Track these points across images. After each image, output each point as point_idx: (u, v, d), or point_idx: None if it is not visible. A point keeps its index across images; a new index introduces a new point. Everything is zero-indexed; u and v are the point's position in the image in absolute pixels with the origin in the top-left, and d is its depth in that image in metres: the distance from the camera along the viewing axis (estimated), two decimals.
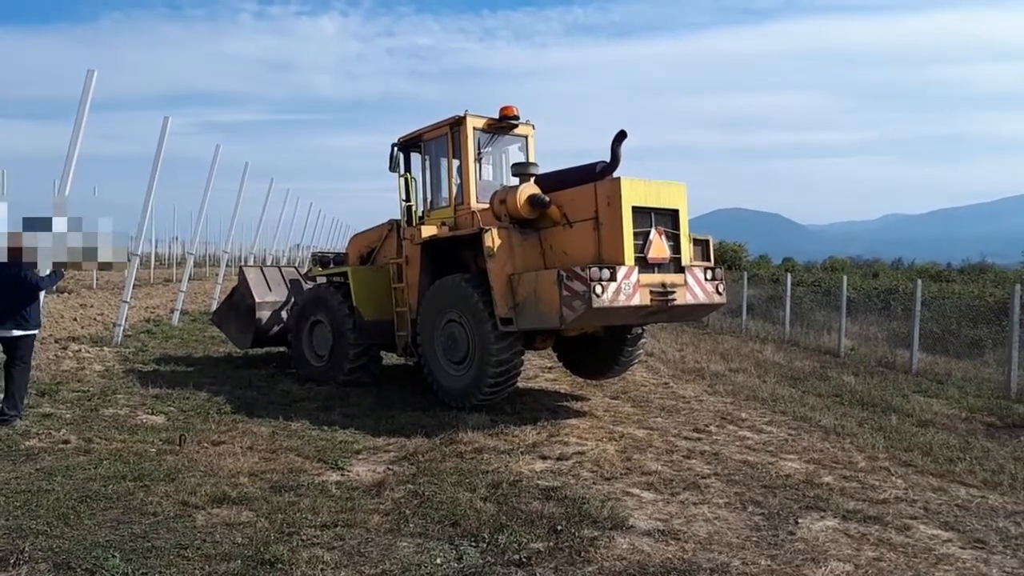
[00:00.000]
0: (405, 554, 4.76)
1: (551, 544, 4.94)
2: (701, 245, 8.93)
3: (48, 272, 7.95)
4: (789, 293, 19.46)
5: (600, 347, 9.90)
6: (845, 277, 18.16)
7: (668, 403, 10.10)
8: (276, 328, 12.03)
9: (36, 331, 7.93)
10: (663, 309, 8.23)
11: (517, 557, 4.71)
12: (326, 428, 8.06)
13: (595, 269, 7.63)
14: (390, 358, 11.44)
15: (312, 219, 35.55)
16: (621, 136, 8.39)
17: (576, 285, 7.68)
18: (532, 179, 8.88)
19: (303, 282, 12.53)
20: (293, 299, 12.11)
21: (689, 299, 8.40)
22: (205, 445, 7.11)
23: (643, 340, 10.06)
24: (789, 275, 20.99)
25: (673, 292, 8.22)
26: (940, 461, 7.52)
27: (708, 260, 8.95)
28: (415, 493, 5.93)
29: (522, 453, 7.23)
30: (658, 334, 18.07)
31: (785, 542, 5.17)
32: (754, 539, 5.23)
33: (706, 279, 8.59)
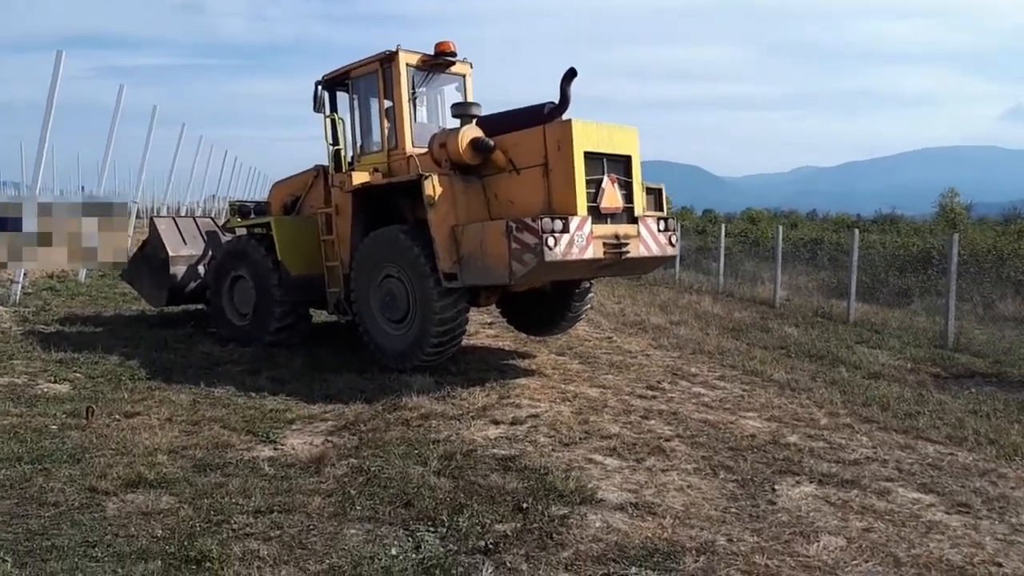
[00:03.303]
0: (354, 544, 4.19)
1: (518, 525, 4.44)
2: (654, 194, 8.46)
3: None
4: (723, 244, 19.36)
5: (546, 302, 9.40)
6: (780, 228, 18.15)
7: (615, 359, 9.71)
8: (193, 284, 11.09)
9: None
10: (616, 262, 7.75)
11: (482, 543, 4.18)
12: (253, 395, 7.35)
13: (547, 220, 7.06)
14: (319, 315, 10.69)
15: (228, 169, 33.78)
16: (571, 74, 7.75)
17: (526, 237, 7.11)
18: (474, 121, 8.19)
19: (221, 234, 11.57)
20: (211, 253, 11.18)
21: (643, 251, 7.93)
22: (117, 417, 6.32)
23: (590, 295, 9.61)
24: (724, 227, 20.90)
25: (627, 244, 7.73)
26: (900, 416, 7.34)
27: (661, 210, 8.50)
28: (359, 469, 5.33)
29: (472, 418, 6.70)
30: (595, 286, 17.72)
31: (767, 513, 4.80)
32: (733, 510, 4.85)
33: (659, 230, 8.13)
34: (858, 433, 6.75)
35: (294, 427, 6.42)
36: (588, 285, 9.42)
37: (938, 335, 12.32)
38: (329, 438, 6.11)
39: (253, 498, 4.71)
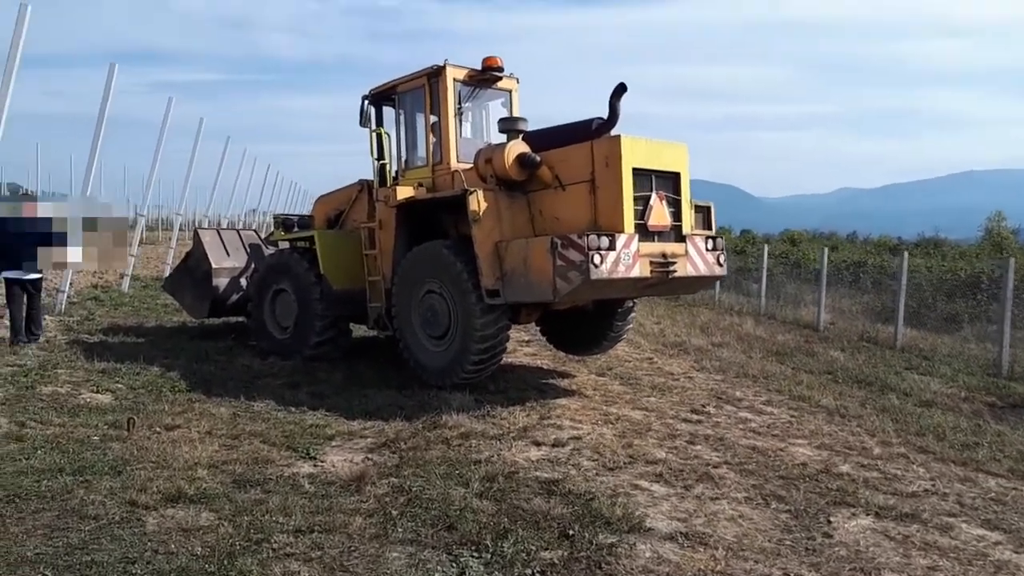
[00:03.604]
0: (396, 568, 4.07)
1: (564, 553, 4.28)
2: (702, 212, 8.28)
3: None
4: (765, 266, 19.02)
5: (588, 321, 9.24)
6: (826, 249, 17.74)
7: (658, 380, 9.51)
8: (235, 296, 11.13)
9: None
10: (663, 281, 7.58)
11: (528, 571, 4.04)
12: (293, 409, 7.29)
13: (593, 236, 6.93)
14: (358, 330, 10.65)
15: (269, 182, 34.15)
16: (620, 90, 7.64)
17: (572, 254, 6.98)
18: (520, 136, 8.10)
19: (264, 247, 11.62)
20: (253, 265, 11.22)
21: (690, 271, 7.76)
22: (157, 430, 6.30)
23: (632, 314, 9.43)
24: (766, 247, 20.54)
25: (674, 263, 7.57)
26: (957, 447, 7.05)
27: (709, 228, 8.31)
28: (400, 488, 5.22)
29: (514, 439, 6.56)
30: (636, 305, 17.51)
31: (824, 547, 4.59)
32: (788, 543, 4.65)
33: (707, 249, 7.96)
34: (914, 464, 6.48)
35: (334, 443, 6.33)
36: (631, 304, 9.25)
37: (991, 363, 11.91)
38: (369, 455, 6.01)
39: (293, 516, 4.62)
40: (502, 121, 8.37)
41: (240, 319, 11.83)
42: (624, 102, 7.77)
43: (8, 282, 9.48)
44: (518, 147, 7.83)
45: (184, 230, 21.11)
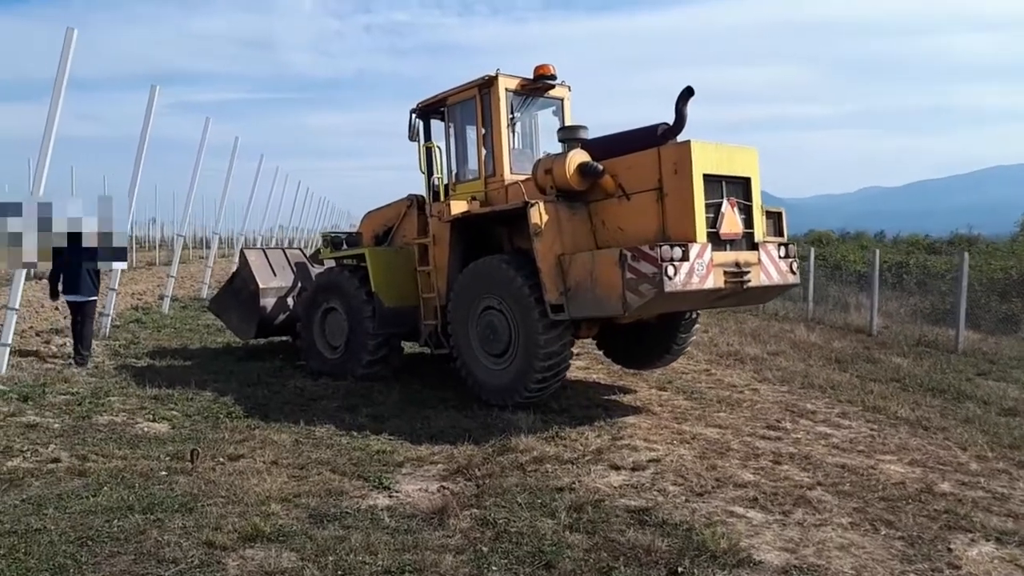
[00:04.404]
0: None
1: None
2: (773, 218, 7.94)
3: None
4: (812, 270, 18.55)
5: (650, 334, 8.91)
6: (878, 251, 17.23)
7: (723, 394, 9.15)
8: (282, 316, 10.95)
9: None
10: (736, 292, 7.26)
11: None
12: (355, 434, 7.04)
13: (666, 247, 6.62)
14: (409, 347, 10.42)
15: (300, 199, 34.13)
16: (687, 93, 7.32)
17: (643, 266, 6.67)
18: (580, 145, 7.82)
19: (310, 265, 11.44)
20: (300, 284, 11.03)
21: (763, 280, 7.43)
22: (221, 460, 6.06)
23: (696, 326, 9.10)
24: (812, 250, 20.01)
25: (748, 272, 7.24)
26: None
27: (781, 235, 7.97)
28: (485, 521, 4.93)
29: (589, 462, 6.26)
30: (700, 316, 17.14)
31: None
32: (912, 575, 4.30)
33: (780, 257, 7.62)
34: (1018, 481, 6.10)
35: (404, 471, 6.06)
36: (695, 315, 8.92)
37: None
38: (444, 484, 5.72)
39: (379, 555, 4.34)
40: (562, 130, 8.09)
41: (285, 339, 11.67)
42: (682, 107, 7.44)
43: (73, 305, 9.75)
44: (579, 156, 7.54)
45: (221, 248, 21.01)
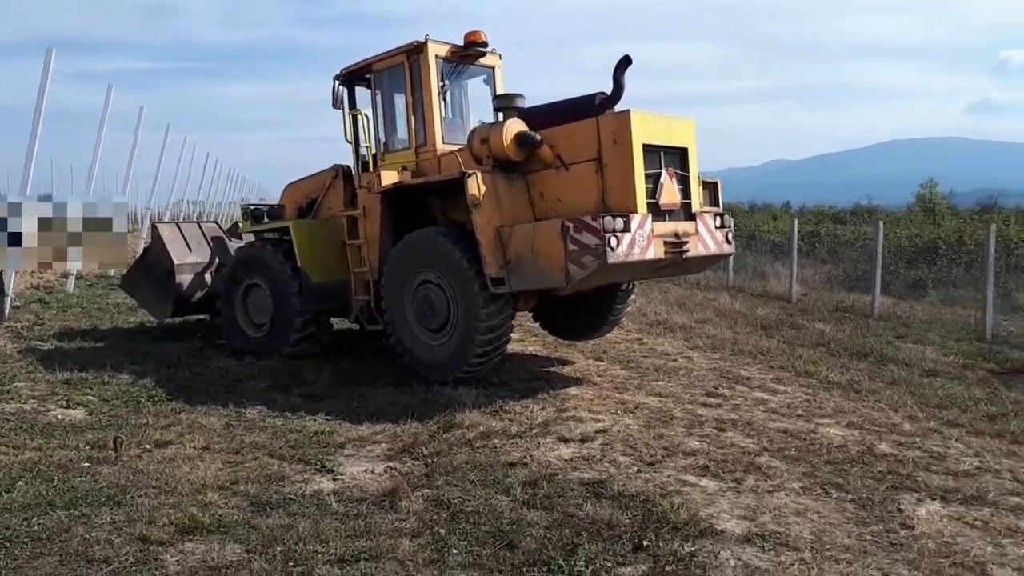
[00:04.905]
0: None
1: (646, 568, 3.89)
2: (709, 188, 7.93)
3: None
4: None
5: (587, 305, 8.82)
6: (795, 222, 17.69)
7: (658, 363, 9.19)
8: (199, 294, 10.38)
9: None
10: (676, 262, 7.24)
11: None
12: (289, 415, 6.71)
13: (608, 218, 6.51)
14: (336, 324, 10.07)
15: (209, 172, 32.66)
16: (625, 62, 7.19)
17: (586, 238, 6.55)
18: (516, 114, 7.61)
19: (227, 239, 10.88)
20: (218, 260, 10.49)
21: (701, 250, 7.43)
22: (147, 448, 5.66)
23: (632, 296, 9.08)
24: (731, 221, 20.35)
25: (686, 242, 7.22)
26: (983, 418, 6.92)
27: (716, 205, 7.98)
28: (439, 502, 4.74)
29: (537, 436, 6.14)
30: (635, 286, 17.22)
31: (910, 540, 4.30)
32: (870, 538, 4.35)
33: (716, 227, 7.64)
34: (951, 439, 6.29)
35: (346, 452, 5.80)
36: (631, 286, 8.89)
37: (971, 328, 11.97)
38: (391, 464, 5.49)
39: (331, 543, 4.10)
40: (497, 98, 7.86)
41: (203, 317, 11.13)
42: (619, 76, 7.31)
43: None
44: (517, 125, 7.33)
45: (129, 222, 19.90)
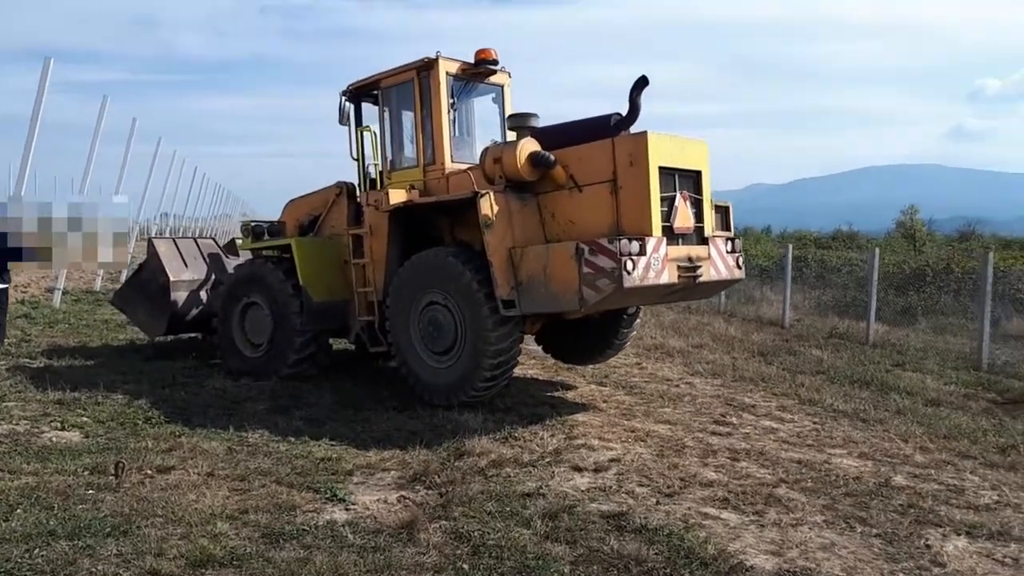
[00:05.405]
0: None
1: None
2: (721, 212, 7.88)
3: None
4: None
5: (593, 329, 8.73)
6: (791, 246, 17.70)
7: (660, 388, 9.09)
8: (195, 311, 10.18)
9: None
10: (688, 287, 7.16)
11: None
12: (292, 440, 6.52)
13: (624, 241, 6.43)
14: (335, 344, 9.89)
15: (197, 186, 32.34)
16: (642, 83, 7.15)
17: (602, 260, 6.45)
18: (529, 134, 7.52)
19: (224, 256, 10.71)
20: (215, 277, 10.30)
21: (713, 274, 7.36)
22: (149, 473, 5.46)
23: (638, 320, 8.98)
24: (741, 245, 20.41)
25: (699, 267, 7.15)
26: (994, 450, 6.87)
27: (728, 229, 7.92)
28: (458, 534, 4.59)
29: (550, 464, 6.00)
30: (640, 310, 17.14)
31: None
32: (901, 575, 4.24)
33: (727, 251, 7.58)
34: (965, 472, 6.23)
35: (355, 479, 5.63)
36: (636, 309, 8.79)
37: (966, 357, 11.98)
38: (403, 493, 5.32)
39: None
40: (512, 117, 7.77)
41: (195, 336, 10.92)
42: (636, 97, 7.27)
43: None
44: (530, 145, 7.25)
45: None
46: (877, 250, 15.10)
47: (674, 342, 12.88)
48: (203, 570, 4.02)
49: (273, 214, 10.25)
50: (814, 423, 7.70)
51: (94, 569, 3.95)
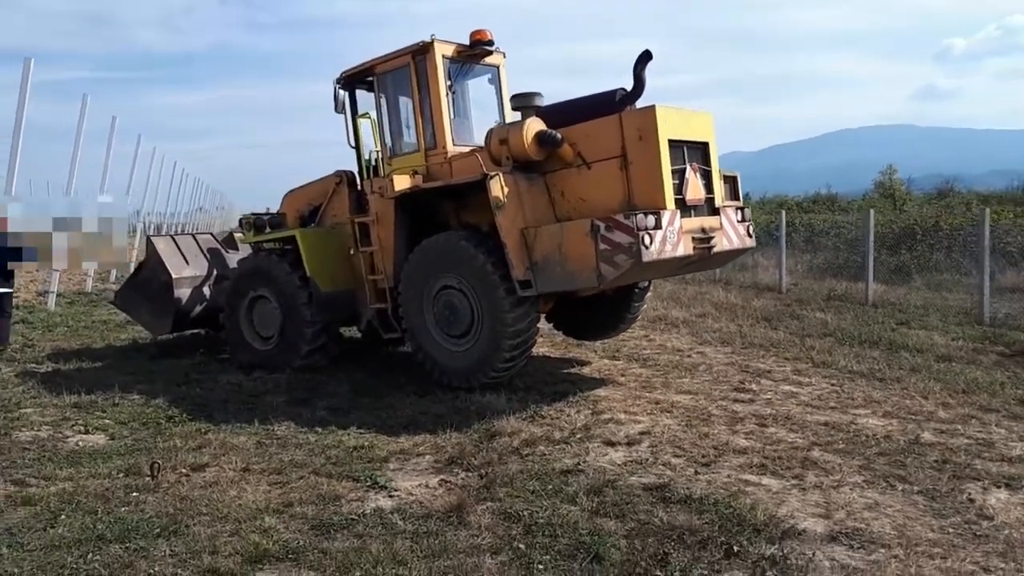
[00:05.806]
0: None
1: (745, 575, 3.79)
2: (729, 182, 7.88)
3: None
4: None
5: (604, 304, 8.72)
6: (783, 212, 17.79)
7: (673, 359, 9.14)
8: (199, 308, 10.09)
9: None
10: (703, 258, 7.17)
11: None
12: (320, 430, 6.50)
13: (641, 216, 6.41)
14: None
15: (176, 181, 31.85)
16: (645, 57, 7.10)
17: (618, 236, 6.44)
18: (534, 113, 7.46)
19: (224, 251, 10.60)
20: (216, 272, 10.19)
21: (726, 244, 7.37)
22: (185, 472, 5.42)
23: (648, 293, 8.99)
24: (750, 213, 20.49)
25: (712, 237, 7.16)
26: (1014, 402, 6.96)
27: (737, 199, 7.93)
28: (507, 515, 4.59)
29: (582, 440, 6.03)
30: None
31: (992, 531, 4.27)
32: (952, 530, 4.31)
33: (738, 220, 7.59)
34: (990, 425, 6.31)
35: (391, 466, 5.61)
36: (647, 283, 8.80)
37: (968, 312, 12.12)
38: (444, 477, 5.32)
39: (411, 565, 3.94)
40: (516, 97, 7.69)
41: (199, 332, 10.83)
42: (640, 71, 7.21)
43: None
44: (536, 124, 7.19)
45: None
46: (872, 211, 15.19)
47: (676, 312, 12.95)
48: (261, 565, 4.00)
49: (253, 205, 10.19)
50: (832, 385, 7.77)
51: (152, 571, 3.91)
